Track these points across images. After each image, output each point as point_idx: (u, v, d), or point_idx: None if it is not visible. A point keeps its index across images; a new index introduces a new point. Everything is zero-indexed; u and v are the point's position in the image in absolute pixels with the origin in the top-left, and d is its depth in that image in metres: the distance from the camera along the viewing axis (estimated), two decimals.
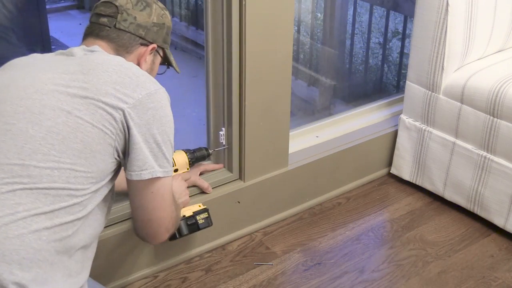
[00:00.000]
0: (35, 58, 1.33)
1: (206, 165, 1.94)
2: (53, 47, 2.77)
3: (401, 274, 1.87)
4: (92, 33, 1.37)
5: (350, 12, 3.14)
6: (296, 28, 3.19)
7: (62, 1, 4.47)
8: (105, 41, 1.36)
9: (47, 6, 3.81)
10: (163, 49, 1.46)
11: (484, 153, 2.02)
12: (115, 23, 1.36)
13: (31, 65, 1.28)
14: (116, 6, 1.37)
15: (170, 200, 1.34)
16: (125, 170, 1.27)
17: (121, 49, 1.36)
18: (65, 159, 1.14)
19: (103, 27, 1.36)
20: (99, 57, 1.27)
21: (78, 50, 1.31)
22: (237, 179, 1.97)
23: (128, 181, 1.27)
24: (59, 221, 1.14)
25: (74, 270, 1.20)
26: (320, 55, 3.29)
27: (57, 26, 3.77)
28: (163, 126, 1.25)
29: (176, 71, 1.52)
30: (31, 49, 2.44)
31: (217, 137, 1.92)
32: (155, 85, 1.27)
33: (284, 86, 1.91)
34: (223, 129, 1.89)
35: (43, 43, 2.52)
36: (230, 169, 1.95)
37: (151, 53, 1.42)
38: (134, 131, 1.21)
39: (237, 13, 1.71)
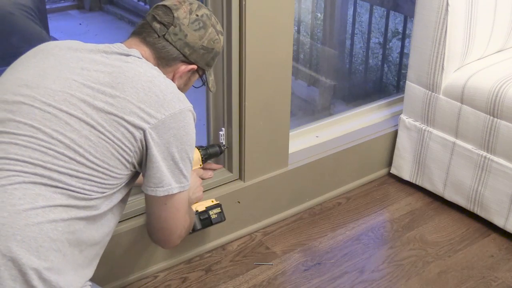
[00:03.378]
0: (71, 49, 1.31)
1: (206, 164, 1.93)
2: None
3: (401, 274, 1.87)
4: (140, 34, 1.37)
5: (350, 12, 3.14)
6: (296, 28, 3.19)
7: (62, 1, 4.47)
8: (149, 48, 1.36)
9: (47, 6, 3.82)
10: (203, 70, 1.46)
11: (484, 153, 2.02)
12: (165, 34, 1.35)
13: (65, 62, 1.27)
14: (173, 17, 1.36)
15: (184, 210, 1.37)
16: (143, 176, 1.30)
17: (161, 60, 1.37)
18: (83, 170, 1.19)
19: (152, 32, 1.35)
20: (132, 69, 1.27)
21: (116, 52, 1.30)
22: (237, 179, 1.97)
23: (144, 193, 1.32)
24: (75, 215, 1.17)
25: (82, 265, 1.23)
26: (320, 55, 3.29)
27: (57, 26, 3.77)
28: (182, 145, 1.28)
29: (210, 90, 1.54)
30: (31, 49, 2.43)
31: (217, 137, 1.92)
32: (181, 104, 1.29)
33: (284, 86, 1.91)
34: (223, 129, 1.89)
35: (43, 43, 2.51)
36: (230, 169, 1.95)
37: (189, 71, 1.42)
38: (154, 150, 1.24)
39: (237, 13, 1.71)
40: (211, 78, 1.50)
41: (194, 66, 1.41)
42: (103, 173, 1.21)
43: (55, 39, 3.00)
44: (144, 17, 1.40)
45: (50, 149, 1.16)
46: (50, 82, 1.23)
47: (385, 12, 3.09)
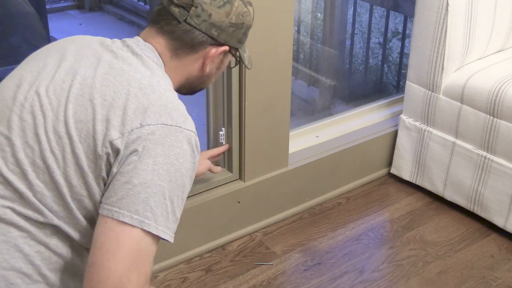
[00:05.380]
0: (78, 50, 1.17)
1: (211, 150, 1.87)
2: None
3: (401, 274, 1.87)
4: (157, 22, 1.21)
5: (350, 12, 3.14)
6: (296, 28, 3.19)
7: (62, 1, 4.47)
8: (167, 38, 1.20)
9: (47, 6, 3.82)
10: (237, 48, 1.30)
11: (484, 153, 2.02)
12: (186, 18, 1.19)
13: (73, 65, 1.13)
14: None
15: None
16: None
17: (185, 48, 1.21)
18: None
19: (171, 19, 1.19)
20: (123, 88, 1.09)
21: (121, 54, 1.16)
22: (237, 179, 1.97)
23: None
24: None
25: None
26: (320, 55, 3.29)
27: (57, 26, 3.77)
28: None
29: (247, 67, 1.38)
30: (31, 49, 2.43)
31: (217, 137, 1.92)
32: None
33: (284, 86, 1.91)
34: (223, 129, 1.89)
35: (43, 43, 2.52)
36: (230, 169, 1.95)
37: (220, 54, 1.26)
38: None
39: None
40: (246, 55, 1.34)
41: (226, 47, 1.25)
42: None
43: (55, 39, 3.00)
44: (160, 2, 1.25)
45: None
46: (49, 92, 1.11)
47: (385, 12, 3.09)
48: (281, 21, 1.80)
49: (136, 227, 1.01)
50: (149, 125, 1.05)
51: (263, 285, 1.82)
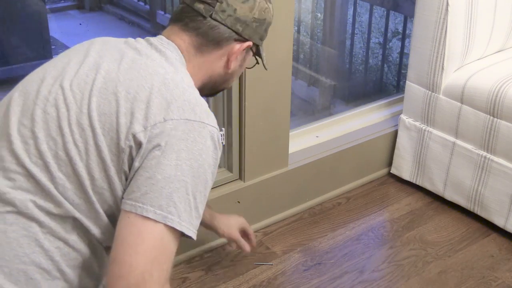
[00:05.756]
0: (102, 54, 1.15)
1: (249, 228, 1.76)
2: (53, 47, 2.77)
3: (401, 274, 1.87)
4: (181, 20, 1.21)
5: (350, 12, 3.14)
6: (296, 28, 3.19)
7: (62, 1, 4.47)
8: (191, 35, 1.20)
9: (47, 6, 3.81)
10: (257, 45, 1.30)
11: (484, 153, 2.02)
12: (212, 13, 1.19)
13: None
14: None
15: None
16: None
17: (210, 44, 1.20)
18: None
19: (196, 15, 1.19)
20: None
21: (145, 51, 1.15)
22: (237, 179, 1.97)
23: None
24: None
25: None
26: (320, 55, 3.29)
27: (57, 26, 3.77)
28: None
29: (264, 68, 1.38)
30: (31, 49, 2.44)
31: None
32: None
33: (284, 86, 1.91)
34: (223, 129, 1.89)
35: (43, 43, 2.52)
36: (230, 169, 1.95)
37: (244, 50, 1.26)
38: None
39: None
40: (264, 55, 1.34)
41: (250, 43, 1.24)
42: None
43: (55, 39, 3.01)
44: (182, 1, 1.25)
45: None
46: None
47: (385, 12, 3.09)
48: (281, 21, 1.80)
49: (159, 222, 1.00)
50: (172, 119, 1.05)
51: (263, 285, 1.82)
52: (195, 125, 1.06)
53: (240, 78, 1.80)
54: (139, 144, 1.04)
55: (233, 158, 1.92)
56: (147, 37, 1.20)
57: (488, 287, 1.83)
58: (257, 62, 1.36)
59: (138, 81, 1.08)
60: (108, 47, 1.17)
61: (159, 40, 1.19)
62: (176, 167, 1.03)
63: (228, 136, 1.90)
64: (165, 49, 1.17)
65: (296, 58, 3.19)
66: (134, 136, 1.04)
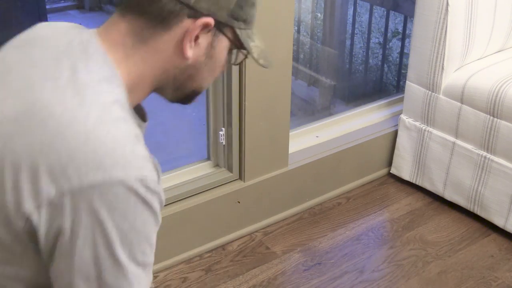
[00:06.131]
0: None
1: None
2: None
3: (401, 274, 1.87)
4: (122, 3, 0.90)
5: (350, 12, 3.14)
6: (296, 28, 3.19)
7: (62, 1, 4.47)
8: (130, 19, 0.88)
9: (47, 6, 3.82)
10: (232, 28, 0.91)
11: (484, 153, 2.02)
12: None
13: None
14: None
15: None
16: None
17: (154, 25, 0.87)
18: None
19: None
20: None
21: (55, 74, 0.84)
22: (237, 179, 1.96)
23: None
24: None
25: None
26: (320, 55, 3.29)
27: None
28: None
29: (258, 63, 0.96)
30: None
31: (217, 137, 1.92)
32: None
33: (284, 86, 1.91)
34: (223, 129, 1.89)
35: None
36: (230, 169, 1.95)
37: (204, 31, 0.88)
38: None
39: None
40: (253, 44, 0.94)
41: (208, 19, 0.87)
42: None
43: None
44: None
45: None
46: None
47: (385, 12, 3.09)
48: (281, 21, 1.80)
49: None
50: (71, 191, 0.76)
51: (263, 285, 1.82)
52: (108, 189, 0.77)
53: (240, 78, 1.80)
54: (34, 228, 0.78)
55: (233, 158, 1.92)
56: (91, 34, 0.90)
57: (488, 287, 1.83)
58: (246, 56, 0.97)
59: (25, 137, 0.79)
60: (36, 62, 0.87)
61: (86, 44, 0.88)
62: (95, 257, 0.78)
63: (228, 136, 1.90)
64: (82, 65, 0.85)
65: (296, 58, 3.19)
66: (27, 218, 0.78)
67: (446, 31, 1.99)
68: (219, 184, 1.93)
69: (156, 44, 0.88)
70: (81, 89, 0.81)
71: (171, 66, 0.91)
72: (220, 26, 0.89)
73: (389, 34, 3.21)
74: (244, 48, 0.94)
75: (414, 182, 2.29)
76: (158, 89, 0.94)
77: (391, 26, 3.23)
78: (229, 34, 0.91)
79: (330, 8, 3.02)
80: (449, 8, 1.96)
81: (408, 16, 2.85)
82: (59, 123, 0.78)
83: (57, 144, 0.77)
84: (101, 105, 0.81)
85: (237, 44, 0.93)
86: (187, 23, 0.86)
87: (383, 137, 2.32)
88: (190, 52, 0.88)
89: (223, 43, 0.92)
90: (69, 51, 0.87)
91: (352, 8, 3.12)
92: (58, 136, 0.77)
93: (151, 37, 0.87)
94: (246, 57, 0.98)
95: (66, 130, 0.78)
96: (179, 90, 0.96)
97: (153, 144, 1.07)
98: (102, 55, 0.87)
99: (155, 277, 1.83)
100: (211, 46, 0.91)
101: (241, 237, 2.01)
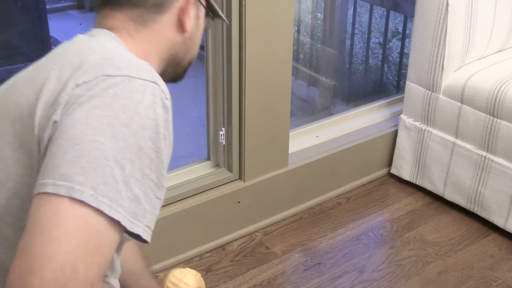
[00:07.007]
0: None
1: None
2: (53, 47, 2.78)
3: (401, 274, 1.87)
4: (108, 1, 0.96)
5: (350, 12, 3.14)
6: (296, 28, 3.19)
7: (62, 1, 4.47)
8: (125, 9, 0.95)
9: (47, 6, 3.81)
10: None
11: (484, 153, 2.02)
12: None
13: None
14: None
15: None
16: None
17: (151, 11, 0.95)
18: None
19: None
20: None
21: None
22: (237, 179, 1.96)
23: None
24: None
25: None
26: (320, 55, 3.29)
27: (57, 26, 3.77)
28: None
29: (225, 21, 1.18)
30: (31, 49, 2.44)
31: (217, 137, 1.92)
32: None
33: (284, 86, 1.91)
34: (223, 129, 1.89)
35: (43, 43, 2.52)
36: (230, 169, 1.95)
37: (194, 4, 1.00)
38: None
39: (237, 13, 1.71)
40: (216, 7, 1.09)
41: None
42: None
43: (55, 39, 3.01)
44: None
45: None
46: None
47: (385, 12, 3.09)
48: (281, 21, 1.80)
49: (64, 196, 0.73)
50: (85, 82, 0.81)
51: (263, 285, 1.82)
52: (117, 80, 0.80)
53: (240, 78, 1.80)
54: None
55: (233, 158, 1.92)
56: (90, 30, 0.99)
57: (488, 287, 1.83)
58: (212, 18, 1.09)
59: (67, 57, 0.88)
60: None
61: (89, 32, 0.97)
62: (86, 126, 0.77)
63: (228, 136, 1.90)
64: (97, 35, 0.95)
65: (296, 58, 3.19)
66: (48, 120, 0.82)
67: (446, 31, 1.99)
68: (219, 184, 1.93)
69: (157, 27, 0.96)
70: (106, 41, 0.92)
71: (176, 44, 1.00)
72: None
73: (389, 34, 3.21)
74: (216, 12, 1.07)
75: (414, 182, 2.29)
76: (161, 71, 1.00)
77: (391, 26, 3.23)
78: (203, 2, 1.03)
79: (330, 8, 3.02)
80: (449, 8, 1.96)
81: (408, 16, 2.85)
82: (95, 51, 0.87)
83: (89, 57, 0.85)
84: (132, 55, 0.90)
85: (209, 9, 1.05)
86: (181, 2, 0.97)
87: (383, 137, 2.32)
88: (188, 25, 0.99)
89: (202, 12, 1.04)
90: (77, 41, 0.94)
91: (352, 8, 3.12)
92: (87, 50, 0.87)
93: (151, 20, 0.96)
94: (212, 19, 1.09)
95: (91, 49, 0.87)
96: (179, 65, 1.05)
97: None
98: (107, 33, 0.94)
99: (155, 277, 1.83)
100: (197, 16, 1.02)
101: (241, 237, 2.01)
